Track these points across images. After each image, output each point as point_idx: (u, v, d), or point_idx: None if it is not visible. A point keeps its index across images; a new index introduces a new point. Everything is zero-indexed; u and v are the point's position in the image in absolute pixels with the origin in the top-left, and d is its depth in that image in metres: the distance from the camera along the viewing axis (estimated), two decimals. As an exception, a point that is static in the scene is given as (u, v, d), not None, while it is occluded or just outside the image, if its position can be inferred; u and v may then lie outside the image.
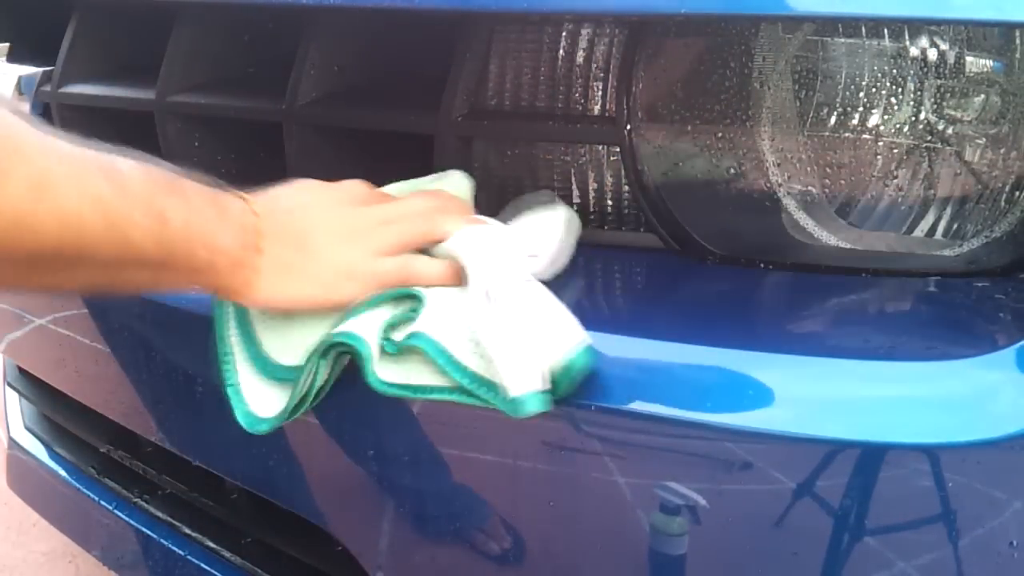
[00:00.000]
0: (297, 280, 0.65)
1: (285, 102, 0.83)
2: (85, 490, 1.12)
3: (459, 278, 0.66)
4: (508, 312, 0.61)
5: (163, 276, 0.61)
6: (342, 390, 0.71)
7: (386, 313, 0.65)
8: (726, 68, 0.70)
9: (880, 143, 0.69)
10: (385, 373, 0.64)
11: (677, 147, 0.73)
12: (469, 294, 0.64)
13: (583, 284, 0.77)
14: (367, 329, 0.64)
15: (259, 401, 0.69)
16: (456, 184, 0.75)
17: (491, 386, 0.60)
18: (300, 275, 0.65)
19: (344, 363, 0.68)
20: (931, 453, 0.57)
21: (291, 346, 0.68)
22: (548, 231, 0.71)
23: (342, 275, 0.66)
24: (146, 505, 1.07)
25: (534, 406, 0.59)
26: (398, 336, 0.64)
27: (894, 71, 0.68)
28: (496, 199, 0.79)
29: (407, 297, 0.66)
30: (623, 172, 0.74)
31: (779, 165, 0.71)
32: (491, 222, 0.70)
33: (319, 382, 0.67)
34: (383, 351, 0.64)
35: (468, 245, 0.67)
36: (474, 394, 0.61)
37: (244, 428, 0.69)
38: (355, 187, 0.71)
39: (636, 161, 0.73)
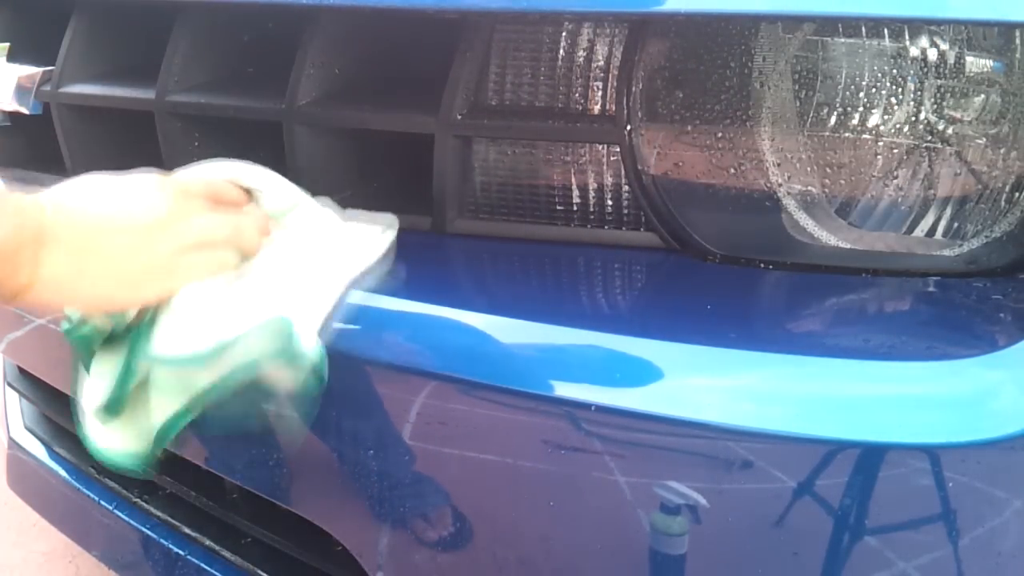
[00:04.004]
0: (89, 278, 0.60)
1: (285, 102, 0.83)
2: (85, 490, 1.12)
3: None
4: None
5: None
6: (341, 390, 0.71)
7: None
8: (726, 68, 0.70)
9: (880, 143, 0.69)
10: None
11: (677, 147, 0.73)
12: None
13: (583, 283, 0.78)
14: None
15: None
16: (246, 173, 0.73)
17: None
18: (93, 273, 0.60)
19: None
20: (931, 453, 0.57)
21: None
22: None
23: (142, 273, 0.62)
24: (146, 505, 1.07)
25: None
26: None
27: (894, 71, 0.68)
28: (497, 199, 0.79)
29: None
30: (623, 172, 0.74)
31: (779, 165, 0.71)
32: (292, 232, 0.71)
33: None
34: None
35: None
36: None
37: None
38: (150, 179, 0.66)
39: (636, 161, 0.73)
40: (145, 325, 0.64)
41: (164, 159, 0.91)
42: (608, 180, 0.76)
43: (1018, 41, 0.66)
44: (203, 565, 0.98)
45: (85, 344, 0.68)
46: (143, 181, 0.66)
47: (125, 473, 0.68)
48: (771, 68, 0.69)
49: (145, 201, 0.64)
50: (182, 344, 0.62)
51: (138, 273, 0.62)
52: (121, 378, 0.65)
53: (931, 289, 0.68)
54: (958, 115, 0.68)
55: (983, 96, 0.67)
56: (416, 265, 0.74)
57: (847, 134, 0.69)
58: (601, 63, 0.75)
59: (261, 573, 0.96)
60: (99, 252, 0.60)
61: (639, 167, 0.73)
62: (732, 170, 0.72)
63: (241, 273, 0.67)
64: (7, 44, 1.11)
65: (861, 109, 0.69)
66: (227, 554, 0.99)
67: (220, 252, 0.66)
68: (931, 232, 0.71)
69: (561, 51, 0.75)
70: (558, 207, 0.78)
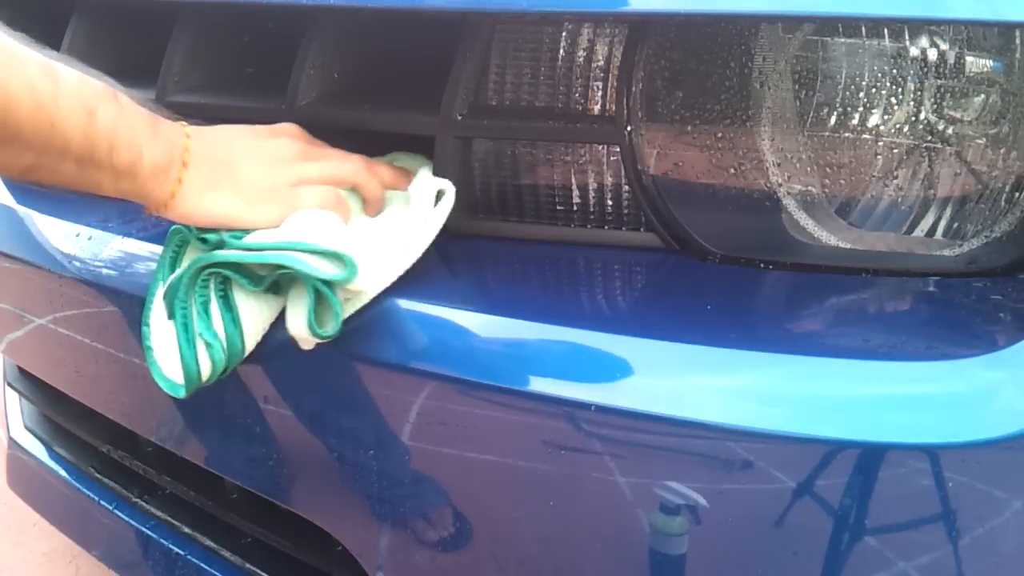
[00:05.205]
0: (219, 195, 0.70)
1: (285, 102, 0.83)
2: (85, 490, 1.12)
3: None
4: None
5: (87, 171, 0.64)
6: (342, 391, 0.71)
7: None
8: (726, 68, 0.70)
9: (880, 143, 0.69)
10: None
11: (677, 147, 0.73)
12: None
13: (584, 284, 0.78)
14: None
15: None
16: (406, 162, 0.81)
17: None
18: (222, 191, 0.70)
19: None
20: (931, 453, 0.57)
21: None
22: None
23: (263, 195, 0.71)
24: (146, 505, 1.07)
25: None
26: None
27: (894, 71, 0.68)
28: (497, 199, 0.79)
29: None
30: (623, 172, 0.74)
31: (779, 165, 0.71)
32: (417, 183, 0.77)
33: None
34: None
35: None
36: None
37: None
38: (289, 128, 0.77)
39: (636, 161, 0.73)
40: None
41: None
42: (608, 180, 0.76)
43: (1018, 41, 0.66)
44: (203, 565, 0.98)
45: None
46: (281, 127, 0.77)
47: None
48: (771, 68, 0.69)
49: (276, 140, 0.75)
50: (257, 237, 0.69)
51: (261, 194, 0.71)
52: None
53: (931, 289, 0.68)
54: (958, 115, 0.68)
55: (983, 96, 0.67)
56: (416, 265, 0.74)
57: (847, 134, 0.69)
58: (601, 63, 0.75)
59: (261, 573, 0.96)
60: (229, 172, 0.71)
61: (639, 167, 0.73)
62: (732, 170, 0.72)
63: (355, 219, 0.75)
64: (7, 44, 1.11)
65: (861, 109, 0.69)
66: (227, 554, 0.99)
67: (339, 192, 0.74)
68: (931, 232, 0.71)
69: (561, 51, 0.75)
70: (558, 207, 0.78)
